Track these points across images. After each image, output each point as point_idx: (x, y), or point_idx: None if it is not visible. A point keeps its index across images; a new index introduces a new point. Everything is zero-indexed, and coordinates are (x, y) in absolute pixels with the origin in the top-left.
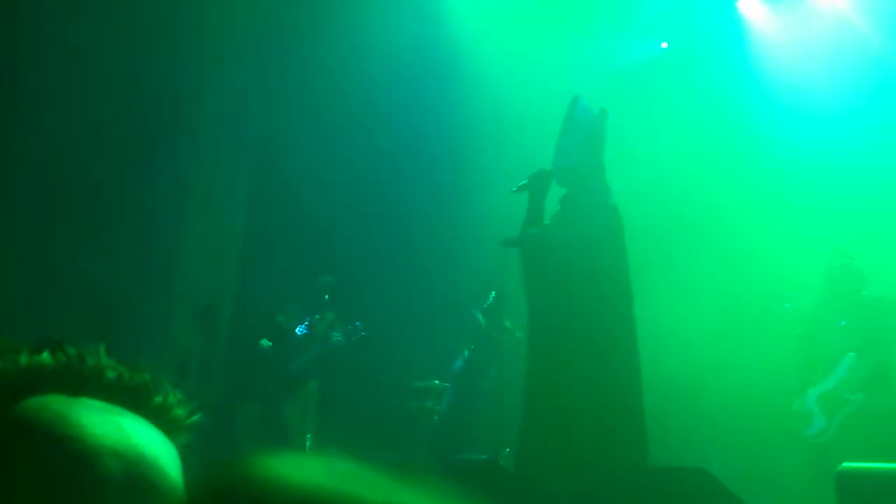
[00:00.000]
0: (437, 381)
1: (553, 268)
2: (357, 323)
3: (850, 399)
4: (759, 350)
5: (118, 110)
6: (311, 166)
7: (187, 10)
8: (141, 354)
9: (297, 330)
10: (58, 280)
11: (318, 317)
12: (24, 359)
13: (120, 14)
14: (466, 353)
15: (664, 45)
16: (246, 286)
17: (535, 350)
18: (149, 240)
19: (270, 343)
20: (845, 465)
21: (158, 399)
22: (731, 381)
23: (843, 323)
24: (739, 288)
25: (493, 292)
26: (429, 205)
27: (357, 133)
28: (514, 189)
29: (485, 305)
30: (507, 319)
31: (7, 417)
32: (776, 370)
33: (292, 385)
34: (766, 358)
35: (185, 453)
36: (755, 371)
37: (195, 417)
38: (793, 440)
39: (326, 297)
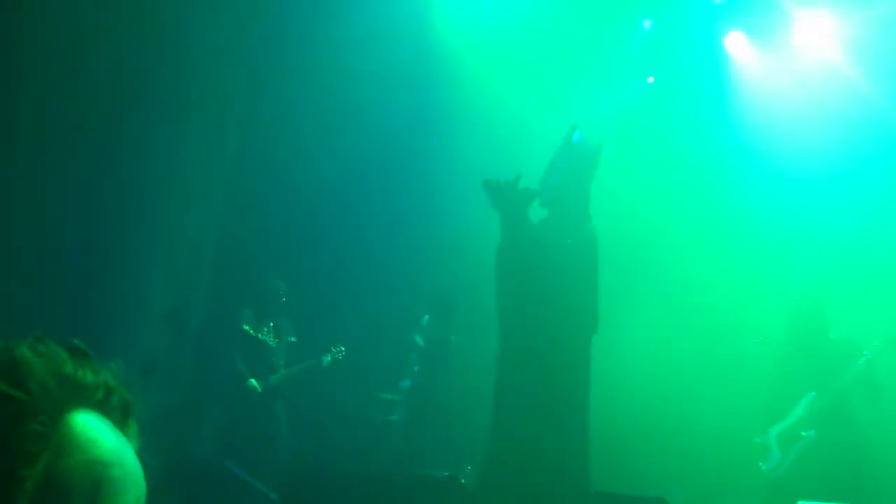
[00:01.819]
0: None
1: (524, 285)
2: (342, 347)
3: (803, 435)
4: (727, 383)
5: (97, 108)
6: (288, 173)
7: (175, 5)
8: (107, 353)
9: (268, 340)
10: (28, 274)
11: (271, 323)
12: (77, 371)
13: (106, 7)
14: (416, 369)
15: (650, 79)
16: (217, 289)
17: (502, 365)
18: (122, 239)
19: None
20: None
21: (134, 427)
22: (696, 412)
23: (805, 361)
24: (708, 321)
25: (427, 315)
26: (403, 213)
27: (336, 141)
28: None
29: (423, 324)
30: (455, 334)
31: (64, 429)
32: (742, 403)
33: (277, 394)
34: (732, 391)
35: (148, 454)
36: (721, 404)
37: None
38: (753, 474)
39: (283, 299)
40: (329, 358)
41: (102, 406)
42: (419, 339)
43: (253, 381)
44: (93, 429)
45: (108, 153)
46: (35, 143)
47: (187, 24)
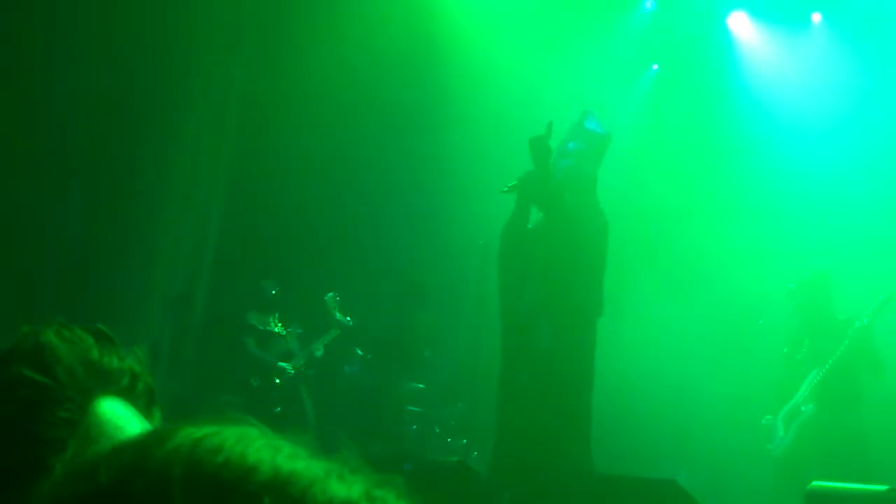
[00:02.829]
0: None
1: (528, 268)
2: (358, 351)
3: (802, 410)
4: (732, 364)
5: (102, 97)
6: (292, 163)
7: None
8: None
9: (277, 330)
10: (31, 263)
11: (276, 314)
12: (103, 357)
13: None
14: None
15: (655, 67)
16: (220, 278)
17: (507, 349)
18: (125, 228)
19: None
20: (815, 484)
21: (158, 413)
22: (703, 394)
23: (807, 341)
24: (714, 303)
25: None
26: (407, 204)
27: (341, 133)
28: (506, 189)
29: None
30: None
31: (91, 416)
32: (748, 384)
33: (300, 378)
34: (738, 373)
35: None
36: (728, 385)
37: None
38: (761, 455)
39: (273, 291)
40: (331, 337)
41: (128, 392)
42: (345, 318)
43: (282, 363)
44: (119, 416)
45: (111, 146)
46: (38, 133)
47: (187, 16)
